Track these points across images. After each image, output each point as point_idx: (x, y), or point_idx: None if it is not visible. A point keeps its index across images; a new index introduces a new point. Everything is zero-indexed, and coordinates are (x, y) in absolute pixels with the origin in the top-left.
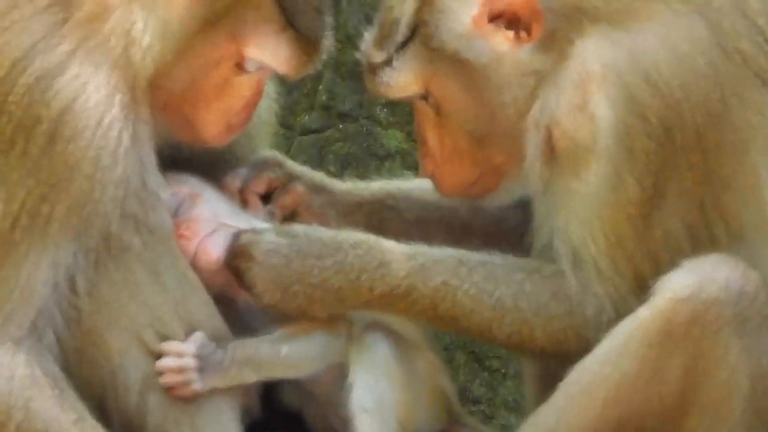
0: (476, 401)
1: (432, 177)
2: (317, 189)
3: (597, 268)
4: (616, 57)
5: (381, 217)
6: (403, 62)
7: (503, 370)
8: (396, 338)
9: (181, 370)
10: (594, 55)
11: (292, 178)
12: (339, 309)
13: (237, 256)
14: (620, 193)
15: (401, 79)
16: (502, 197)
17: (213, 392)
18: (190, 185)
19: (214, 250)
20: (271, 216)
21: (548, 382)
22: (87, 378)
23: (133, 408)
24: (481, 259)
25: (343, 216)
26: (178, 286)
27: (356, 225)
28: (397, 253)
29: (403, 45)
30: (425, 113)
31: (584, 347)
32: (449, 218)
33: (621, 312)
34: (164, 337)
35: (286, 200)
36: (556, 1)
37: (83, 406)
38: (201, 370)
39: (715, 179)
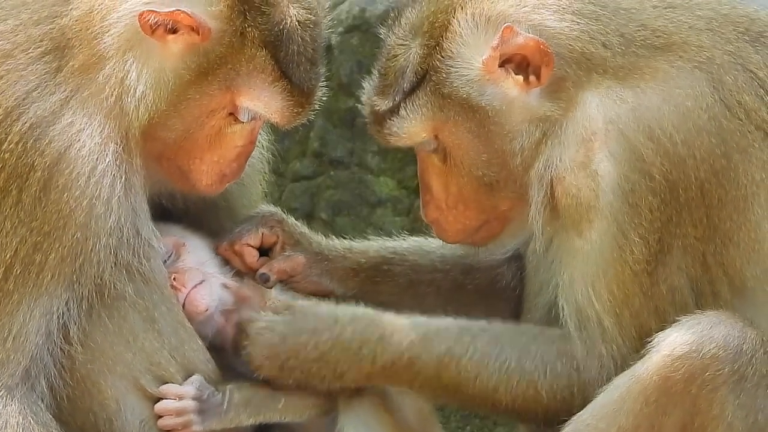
0: None
1: (435, 224)
2: (315, 257)
3: (601, 327)
4: (619, 114)
5: (375, 282)
6: (411, 110)
7: (494, 418)
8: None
9: (180, 412)
10: (598, 111)
11: (293, 241)
12: (338, 383)
13: (239, 332)
14: (625, 250)
15: (410, 127)
16: (504, 244)
17: None
18: (175, 235)
19: (202, 302)
20: (265, 280)
21: (540, 429)
22: (80, 426)
23: None
24: (483, 326)
25: (338, 282)
26: (173, 332)
27: (351, 290)
28: (397, 324)
29: (411, 92)
30: (430, 161)
31: (585, 404)
32: (442, 280)
33: (621, 371)
34: (162, 381)
35: (284, 267)
36: (565, 48)
37: None
38: (200, 412)
39: (718, 234)
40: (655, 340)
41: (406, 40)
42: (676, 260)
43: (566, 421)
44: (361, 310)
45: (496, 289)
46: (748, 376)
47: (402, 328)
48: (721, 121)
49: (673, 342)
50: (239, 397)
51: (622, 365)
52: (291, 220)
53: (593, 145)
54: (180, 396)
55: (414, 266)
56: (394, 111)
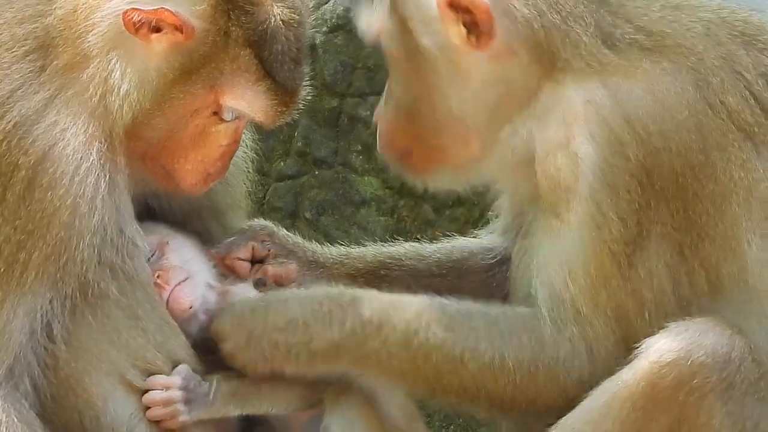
0: None
1: (378, 121)
2: (310, 264)
3: (575, 308)
4: (597, 97)
5: (373, 287)
6: (376, 6)
7: (477, 416)
8: (370, 383)
9: (167, 402)
10: (576, 94)
11: (285, 252)
12: (304, 358)
13: (215, 318)
14: (603, 230)
15: (366, 18)
16: (441, 184)
17: None
18: (159, 233)
19: (185, 299)
20: (262, 284)
21: (523, 428)
22: (65, 424)
23: None
24: (455, 300)
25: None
26: (158, 329)
27: None
28: (368, 293)
29: None
30: (391, 60)
31: (556, 389)
32: (438, 285)
33: (595, 354)
34: (149, 374)
35: (279, 272)
36: (538, 35)
37: None
38: (187, 401)
39: (695, 228)
40: (643, 345)
41: None
42: (655, 246)
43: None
44: (335, 287)
45: (491, 291)
46: (737, 384)
47: (373, 296)
48: (701, 119)
49: (661, 348)
50: (226, 387)
51: (592, 348)
52: (282, 231)
53: (573, 127)
54: (166, 386)
55: (411, 271)
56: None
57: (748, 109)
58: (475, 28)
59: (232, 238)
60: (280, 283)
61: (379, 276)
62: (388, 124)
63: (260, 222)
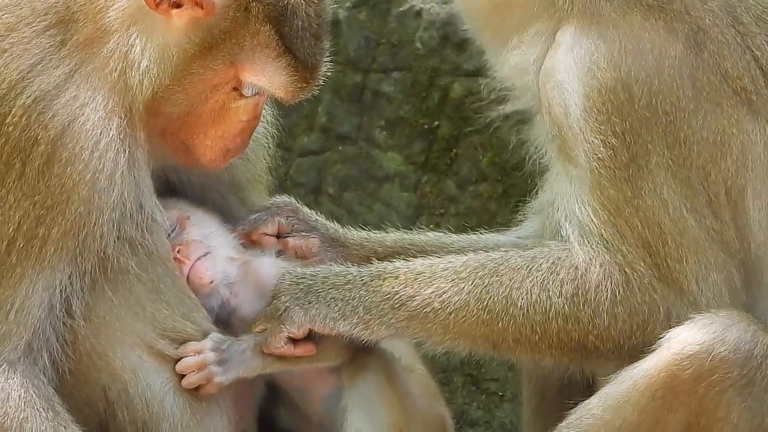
0: (473, 424)
1: None
2: (331, 242)
3: (603, 238)
4: (587, 31)
5: None
6: None
7: (500, 393)
8: (389, 361)
9: (201, 366)
10: (573, 28)
11: (309, 228)
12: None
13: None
14: (593, 157)
15: None
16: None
17: (213, 409)
18: (179, 208)
19: (206, 273)
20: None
21: (545, 407)
22: (85, 399)
23: (149, 419)
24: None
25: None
26: (181, 303)
27: None
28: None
29: None
30: None
31: (603, 319)
32: None
33: (631, 278)
34: (181, 343)
35: (299, 244)
36: None
37: (78, 428)
38: (221, 362)
39: (698, 166)
40: (667, 335)
41: None
42: (657, 176)
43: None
44: None
45: None
46: (757, 381)
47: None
48: (693, 72)
49: (684, 340)
50: (262, 340)
51: (629, 274)
52: (306, 209)
53: (558, 51)
54: (198, 351)
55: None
56: None
57: (749, 78)
58: None
59: (256, 214)
60: (301, 255)
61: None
62: None
63: (284, 198)
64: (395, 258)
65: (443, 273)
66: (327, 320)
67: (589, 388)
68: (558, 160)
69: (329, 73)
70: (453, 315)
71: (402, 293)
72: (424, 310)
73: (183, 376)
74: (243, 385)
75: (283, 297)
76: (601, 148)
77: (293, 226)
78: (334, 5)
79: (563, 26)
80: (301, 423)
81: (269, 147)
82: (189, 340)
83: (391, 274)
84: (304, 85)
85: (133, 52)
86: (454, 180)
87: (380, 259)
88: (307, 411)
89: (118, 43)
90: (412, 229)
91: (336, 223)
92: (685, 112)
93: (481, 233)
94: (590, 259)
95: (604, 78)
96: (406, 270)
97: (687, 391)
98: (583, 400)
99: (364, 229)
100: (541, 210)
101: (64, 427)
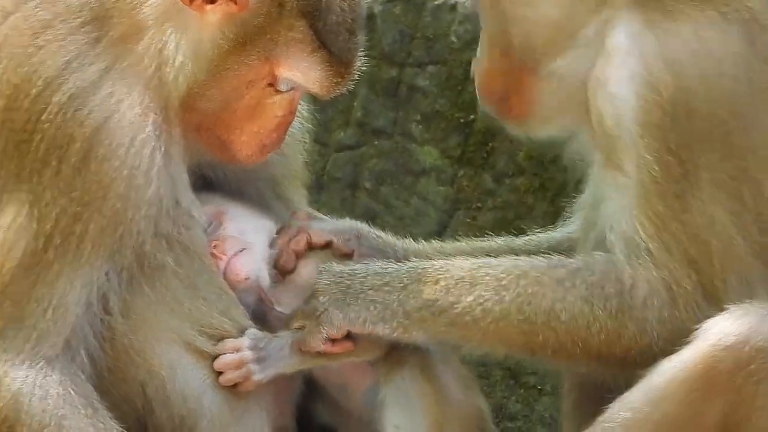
0: (512, 418)
1: (475, 71)
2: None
3: (650, 253)
4: (643, 37)
5: None
6: None
7: (539, 387)
8: (426, 354)
9: (239, 365)
10: (624, 32)
11: (372, 251)
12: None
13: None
14: (645, 172)
15: None
16: (539, 127)
17: (252, 406)
18: (215, 204)
19: (242, 270)
20: None
21: (584, 400)
22: (123, 396)
23: (186, 416)
24: (536, 257)
25: None
26: (218, 299)
27: None
28: (459, 259)
29: None
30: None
31: (645, 335)
32: None
33: (677, 296)
34: (219, 339)
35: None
36: None
37: (116, 424)
38: (259, 360)
39: (752, 178)
40: (703, 327)
41: None
42: (708, 192)
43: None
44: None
45: None
46: None
47: (463, 260)
48: (750, 70)
49: (720, 331)
50: (300, 338)
51: (675, 291)
52: (373, 232)
53: (612, 62)
54: (236, 348)
55: None
56: None
57: None
58: None
59: (327, 227)
60: None
61: None
62: (484, 70)
63: (352, 223)
64: None
65: (484, 279)
66: (366, 323)
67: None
68: (604, 166)
69: (364, 68)
70: (493, 324)
71: (442, 300)
72: (465, 318)
73: (220, 373)
74: (281, 381)
75: (321, 297)
76: (655, 166)
77: (354, 251)
78: (369, 0)
79: (613, 29)
80: (339, 418)
81: (305, 142)
82: (226, 337)
83: (430, 278)
84: (339, 80)
85: (167, 48)
86: (491, 173)
87: None
88: (347, 406)
89: (153, 40)
90: (448, 224)
91: (406, 240)
92: (743, 119)
93: (539, 233)
94: (636, 274)
95: (663, 91)
96: (447, 274)
97: (725, 382)
98: (621, 394)
99: (400, 222)
100: (583, 208)
101: (103, 423)
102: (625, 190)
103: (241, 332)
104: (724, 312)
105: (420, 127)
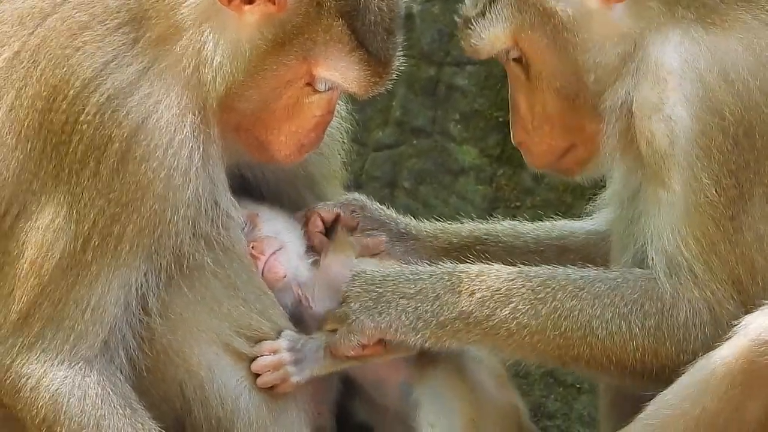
0: (551, 416)
1: (522, 146)
2: (401, 236)
3: (693, 273)
4: (696, 54)
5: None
6: (494, 13)
7: (578, 385)
8: (458, 352)
9: (277, 366)
10: (676, 51)
11: (377, 224)
12: (432, 327)
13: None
14: (702, 195)
15: (491, 31)
16: (592, 172)
17: (290, 406)
18: (246, 206)
19: (280, 268)
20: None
21: (622, 399)
22: (162, 396)
23: (223, 417)
24: (574, 269)
25: (428, 260)
26: (257, 299)
27: None
28: (493, 266)
29: None
30: (516, 76)
31: (680, 351)
32: (536, 262)
33: (718, 317)
34: (257, 341)
35: (367, 242)
36: None
37: (155, 425)
38: (297, 362)
39: None
40: (742, 322)
41: None
42: (759, 208)
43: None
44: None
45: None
46: None
47: (498, 268)
48: None
49: (760, 326)
50: (332, 342)
51: (713, 311)
52: (375, 205)
53: (667, 86)
54: (274, 350)
55: (507, 247)
56: (480, 14)
57: None
58: None
59: (324, 203)
60: (370, 253)
61: (474, 251)
62: (534, 136)
63: (354, 195)
64: (471, 250)
65: (520, 292)
66: (397, 332)
67: None
68: (649, 182)
69: (403, 67)
70: (528, 337)
71: (477, 313)
72: (499, 331)
73: (257, 374)
74: (318, 381)
75: (352, 304)
76: (713, 189)
77: (358, 222)
78: None
79: (660, 48)
80: (377, 415)
81: (344, 142)
82: (264, 338)
83: (465, 290)
84: (378, 79)
85: (205, 48)
86: (530, 172)
87: (456, 250)
88: (383, 402)
89: (191, 40)
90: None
91: (409, 217)
92: None
93: (555, 221)
94: (678, 294)
95: (726, 114)
96: (482, 285)
97: (766, 377)
98: (660, 391)
99: (439, 221)
100: (611, 203)
101: (142, 423)
102: (670, 207)
103: (279, 333)
104: (763, 307)
105: (459, 126)
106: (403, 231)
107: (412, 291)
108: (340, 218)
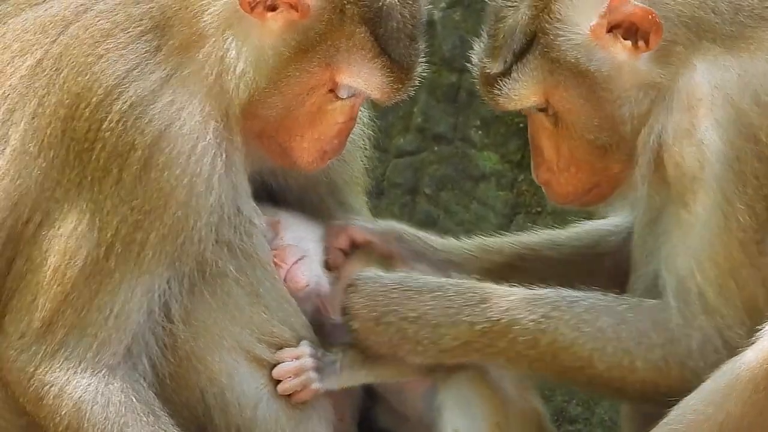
0: (573, 421)
1: (546, 185)
2: (441, 264)
3: (703, 298)
4: (725, 80)
5: (508, 279)
6: (522, 73)
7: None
8: None
9: (299, 372)
10: (703, 78)
11: (415, 255)
12: (431, 353)
13: (347, 288)
14: (731, 219)
15: (521, 90)
16: (613, 205)
17: (311, 414)
18: (268, 213)
19: (302, 277)
20: None
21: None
22: (185, 403)
23: (242, 425)
24: (581, 294)
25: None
26: (279, 307)
27: None
28: (498, 289)
29: (521, 55)
30: (540, 123)
31: (689, 378)
32: (575, 273)
33: (729, 342)
34: (278, 348)
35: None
36: (675, 11)
37: (178, 431)
38: (318, 370)
39: None
40: (766, 328)
41: (515, 1)
42: None
43: (667, 398)
44: (466, 279)
45: (620, 272)
46: None
47: (502, 294)
48: None
49: None
50: (352, 354)
51: (724, 337)
52: (412, 233)
53: (698, 112)
54: (297, 356)
55: (548, 261)
56: (505, 73)
57: None
58: (636, 33)
59: (358, 225)
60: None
61: (515, 268)
62: (561, 178)
63: (392, 224)
64: (513, 267)
65: (521, 323)
66: (398, 354)
67: None
68: (671, 203)
69: (425, 74)
70: (526, 365)
71: (477, 343)
72: (498, 359)
73: (278, 382)
74: (340, 388)
75: (353, 323)
76: (746, 215)
77: (393, 252)
78: (429, 6)
79: (689, 75)
80: (398, 422)
81: (366, 148)
82: (286, 346)
83: (465, 321)
84: (400, 86)
85: (228, 55)
86: None
87: (498, 270)
88: (405, 411)
89: (214, 47)
90: (509, 228)
91: (445, 239)
92: None
93: (584, 223)
94: (687, 323)
95: (761, 138)
96: (482, 317)
97: None
98: (683, 397)
99: (460, 227)
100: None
101: (165, 430)
102: (689, 229)
103: (300, 342)
104: None
105: (480, 132)
106: (443, 259)
107: (413, 315)
108: (373, 245)
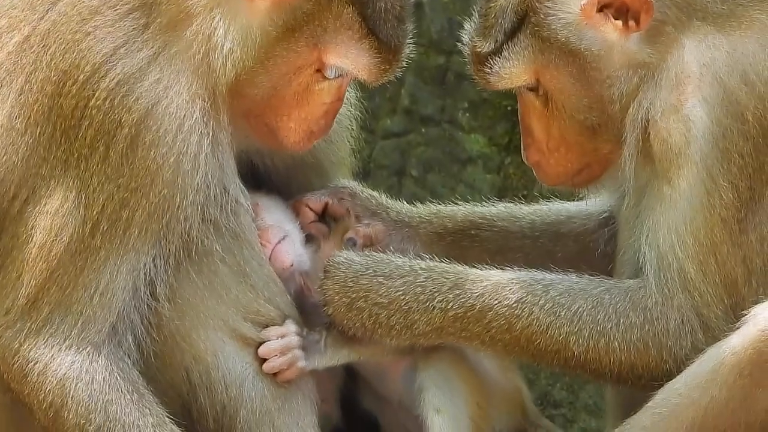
0: (557, 405)
1: (536, 166)
2: (394, 224)
3: (683, 274)
4: (714, 58)
5: (462, 247)
6: (513, 52)
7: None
8: None
9: (285, 349)
10: (692, 56)
11: (369, 213)
12: (405, 336)
13: (323, 272)
14: (714, 196)
15: (512, 69)
16: (602, 186)
17: (296, 393)
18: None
19: (287, 257)
20: (352, 244)
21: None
22: (170, 382)
23: (227, 403)
24: (557, 277)
25: (422, 247)
26: (265, 286)
27: (437, 255)
28: (471, 274)
29: (513, 34)
30: (531, 103)
31: (666, 359)
32: (531, 247)
33: (706, 322)
34: (264, 327)
35: (368, 232)
36: None
37: (162, 410)
38: (303, 348)
39: None
40: (751, 312)
41: None
42: (765, 208)
43: (643, 381)
44: (437, 262)
45: (586, 257)
46: None
47: (475, 278)
48: None
49: None
50: (335, 333)
51: (701, 315)
52: (366, 192)
53: (686, 89)
54: (282, 334)
55: (503, 232)
56: (496, 52)
57: None
58: (627, 12)
59: (314, 192)
60: (369, 243)
61: (468, 236)
62: (551, 158)
63: (344, 182)
64: (466, 235)
65: (495, 308)
66: (371, 336)
67: None
68: (655, 178)
69: (412, 55)
70: (501, 348)
71: (450, 327)
72: (473, 342)
73: (264, 360)
74: (323, 369)
75: (327, 308)
76: (729, 193)
77: (347, 209)
78: None
79: (677, 53)
80: (380, 404)
81: (352, 129)
82: (271, 325)
83: (439, 307)
84: (387, 66)
85: (216, 34)
86: None
87: (450, 235)
88: (386, 393)
89: (201, 26)
90: None
91: (398, 202)
92: None
93: (551, 202)
94: (665, 301)
95: (748, 117)
96: (456, 302)
97: None
98: (667, 381)
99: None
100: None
101: (149, 409)
102: (672, 205)
103: (284, 321)
104: None
105: (467, 114)
106: (397, 219)
107: (385, 301)
108: (329, 206)
